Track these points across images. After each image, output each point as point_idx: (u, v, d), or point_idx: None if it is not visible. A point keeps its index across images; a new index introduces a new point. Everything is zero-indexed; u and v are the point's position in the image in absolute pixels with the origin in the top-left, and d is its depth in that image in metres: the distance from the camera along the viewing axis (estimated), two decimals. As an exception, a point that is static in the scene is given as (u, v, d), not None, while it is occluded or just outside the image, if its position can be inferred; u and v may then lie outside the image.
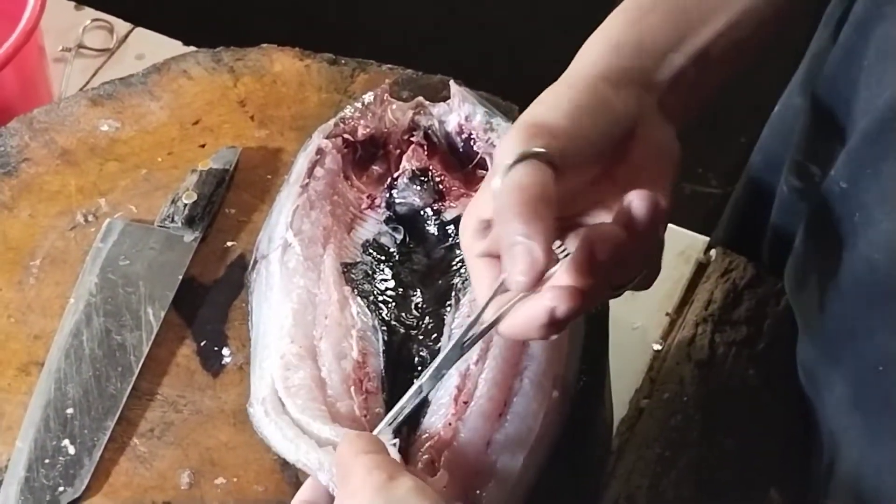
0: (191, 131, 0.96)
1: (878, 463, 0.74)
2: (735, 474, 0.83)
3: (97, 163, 0.94)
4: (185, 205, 0.88)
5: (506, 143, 0.64)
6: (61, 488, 0.75)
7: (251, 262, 0.86)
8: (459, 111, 0.91)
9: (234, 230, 0.89)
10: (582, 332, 0.80)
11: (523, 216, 0.59)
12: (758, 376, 0.88)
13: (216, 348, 0.83)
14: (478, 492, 0.70)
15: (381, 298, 0.81)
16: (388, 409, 0.74)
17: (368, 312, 0.79)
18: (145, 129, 0.96)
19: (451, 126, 0.91)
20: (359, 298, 0.80)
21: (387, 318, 0.80)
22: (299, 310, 0.79)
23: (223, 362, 0.82)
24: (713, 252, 0.99)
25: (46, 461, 0.76)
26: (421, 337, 0.80)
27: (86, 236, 0.89)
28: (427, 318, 0.81)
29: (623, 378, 0.90)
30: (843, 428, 0.79)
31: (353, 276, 0.82)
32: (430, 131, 0.91)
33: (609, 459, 0.84)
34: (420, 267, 0.84)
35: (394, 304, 0.81)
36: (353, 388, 0.75)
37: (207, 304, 0.85)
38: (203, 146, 0.95)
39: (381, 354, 0.78)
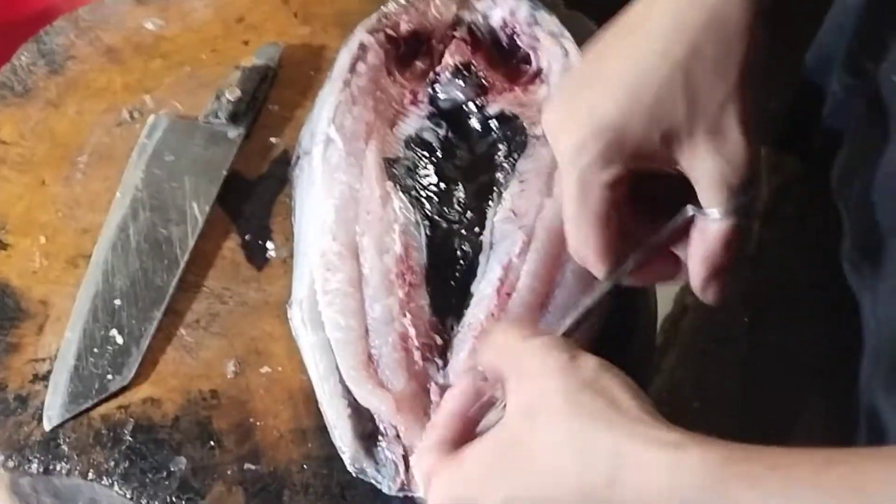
0: (234, 29, 0.96)
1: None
2: (780, 370, 0.82)
3: (142, 60, 0.94)
4: (229, 101, 0.88)
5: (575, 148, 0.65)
6: (110, 376, 0.76)
7: (294, 159, 0.86)
8: (504, 5, 0.90)
9: (277, 126, 0.90)
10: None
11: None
12: (805, 272, 0.87)
13: (260, 242, 0.84)
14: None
15: (423, 193, 0.81)
16: (432, 301, 0.75)
17: (411, 207, 0.79)
18: (189, 27, 0.96)
19: (495, 20, 0.90)
20: (401, 193, 0.80)
21: (429, 213, 0.80)
22: (341, 206, 0.79)
23: (267, 256, 0.83)
24: (762, 150, 0.98)
25: (95, 350, 0.77)
26: (464, 231, 0.80)
27: (131, 132, 0.89)
28: (469, 212, 0.80)
29: None
30: (888, 324, 0.78)
31: (395, 171, 0.82)
32: (473, 26, 0.90)
33: (653, 355, 0.84)
34: (462, 162, 0.84)
35: (436, 199, 0.81)
36: (396, 281, 0.75)
37: (252, 199, 0.86)
38: (246, 43, 0.95)
39: (424, 248, 0.78)
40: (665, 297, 0.88)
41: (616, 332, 0.77)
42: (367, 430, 0.71)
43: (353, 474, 0.71)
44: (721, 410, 0.79)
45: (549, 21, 0.88)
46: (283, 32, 0.95)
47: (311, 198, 0.82)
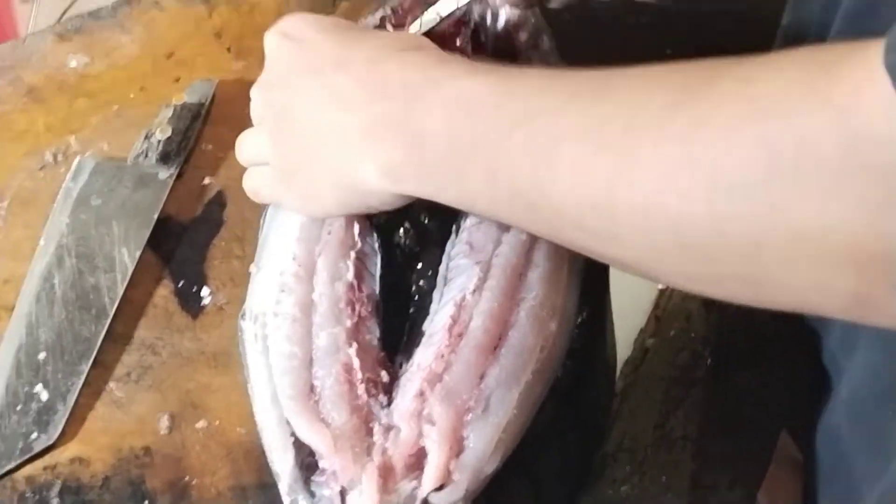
0: (164, 65, 0.93)
1: (876, 394, 0.72)
2: (745, 412, 0.80)
3: (66, 100, 0.91)
4: (160, 140, 0.86)
5: None
6: (34, 435, 0.73)
7: None
8: (511, 15, 0.85)
9: (211, 166, 0.87)
10: (581, 264, 0.77)
11: None
12: (764, 312, 0.84)
13: (195, 289, 0.80)
14: (464, 432, 0.68)
15: (384, 222, 0.78)
16: (383, 335, 0.72)
17: (371, 234, 0.76)
18: (116, 64, 0.93)
19: (500, 26, 0.85)
20: (363, 219, 0.77)
21: (387, 243, 0.77)
22: (308, 223, 0.76)
23: (202, 303, 0.80)
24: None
25: (18, 407, 0.74)
26: (420, 265, 0.77)
27: (56, 176, 0.86)
28: (429, 246, 0.78)
29: (628, 318, 0.88)
30: (842, 364, 0.77)
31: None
32: (480, 27, 0.85)
33: (613, 401, 0.81)
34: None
35: (397, 230, 0.78)
36: (346, 310, 0.72)
37: (185, 244, 0.83)
38: (178, 80, 0.92)
39: (378, 279, 0.75)
40: (625, 341, 0.86)
41: (573, 374, 0.74)
42: (307, 462, 0.67)
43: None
44: (685, 455, 0.76)
45: (547, 43, 0.85)
46: (216, 68, 0.93)
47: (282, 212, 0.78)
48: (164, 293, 0.80)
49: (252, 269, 0.77)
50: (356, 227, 0.75)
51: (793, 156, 0.48)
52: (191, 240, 0.83)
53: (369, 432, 0.67)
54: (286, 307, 0.72)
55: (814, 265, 0.50)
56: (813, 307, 0.54)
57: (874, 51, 0.45)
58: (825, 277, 0.50)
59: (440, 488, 0.65)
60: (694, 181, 0.52)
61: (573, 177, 0.58)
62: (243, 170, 0.82)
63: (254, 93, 0.77)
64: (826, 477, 0.79)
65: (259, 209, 0.79)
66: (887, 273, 0.48)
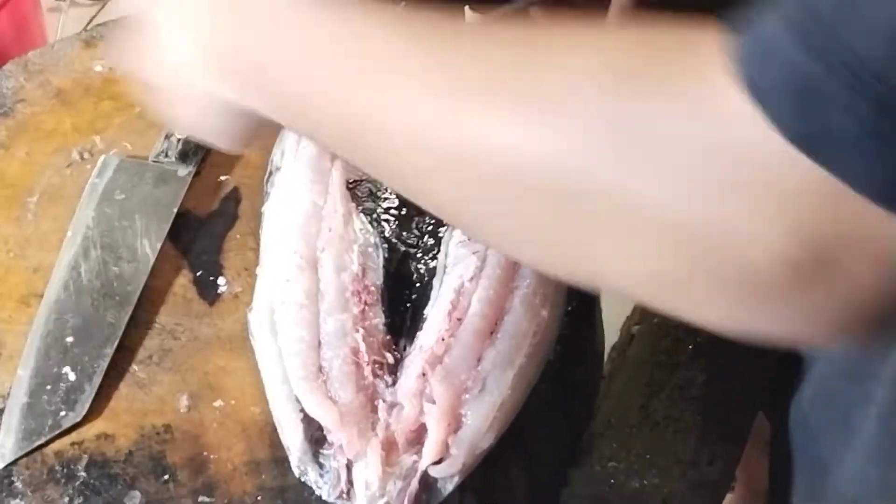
0: (184, 70, 0.97)
1: (844, 374, 0.75)
2: (724, 394, 0.84)
3: (92, 102, 0.95)
4: (179, 140, 0.89)
5: None
6: (63, 413, 0.76)
7: (267, 174, 0.87)
8: None
9: (227, 165, 0.90)
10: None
11: None
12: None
13: (212, 278, 0.84)
14: (462, 410, 0.72)
15: (383, 216, 0.83)
16: (387, 320, 0.77)
17: (371, 229, 0.81)
18: (139, 69, 0.97)
19: None
20: (362, 215, 0.82)
21: (388, 236, 0.82)
22: (304, 220, 0.80)
23: (219, 291, 0.83)
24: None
25: (48, 387, 0.77)
26: (420, 255, 0.82)
27: (82, 173, 0.89)
28: (426, 237, 0.83)
29: (615, 306, 0.91)
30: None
31: (358, 193, 0.84)
32: None
33: (600, 383, 0.85)
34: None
35: (396, 221, 0.83)
36: (352, 298, 0.76)
37: (203, 236, 0.86)
38: (196, 84, 0.95)
39: (381, 270, 0.79)
40: (613, 327, 0.90)
41: (563, 358, 0.79)
42: (316, 436, 0.72)
43: (297, 475, 0.72)
44: (667, 433, 0.80)
45: None
46: (232, 73, 0.96)
47: (278, 210, 0.83)
48: (183, 282, 0.84)
49: (258, 270, 0.82)
50: (357, 223, 0.80)
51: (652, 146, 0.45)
52: (208, 233, 0.87)
53: (374, 409, 0.72)
54: (292, 295, 0.76)
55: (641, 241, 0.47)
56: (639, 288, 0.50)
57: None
58: (651, 253, 0.47)
59: (439, 461, 0.70)
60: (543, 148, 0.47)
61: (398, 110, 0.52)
62: (255, 166, 0.85)
63: None
64: (795, 454, 0.81)
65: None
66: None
